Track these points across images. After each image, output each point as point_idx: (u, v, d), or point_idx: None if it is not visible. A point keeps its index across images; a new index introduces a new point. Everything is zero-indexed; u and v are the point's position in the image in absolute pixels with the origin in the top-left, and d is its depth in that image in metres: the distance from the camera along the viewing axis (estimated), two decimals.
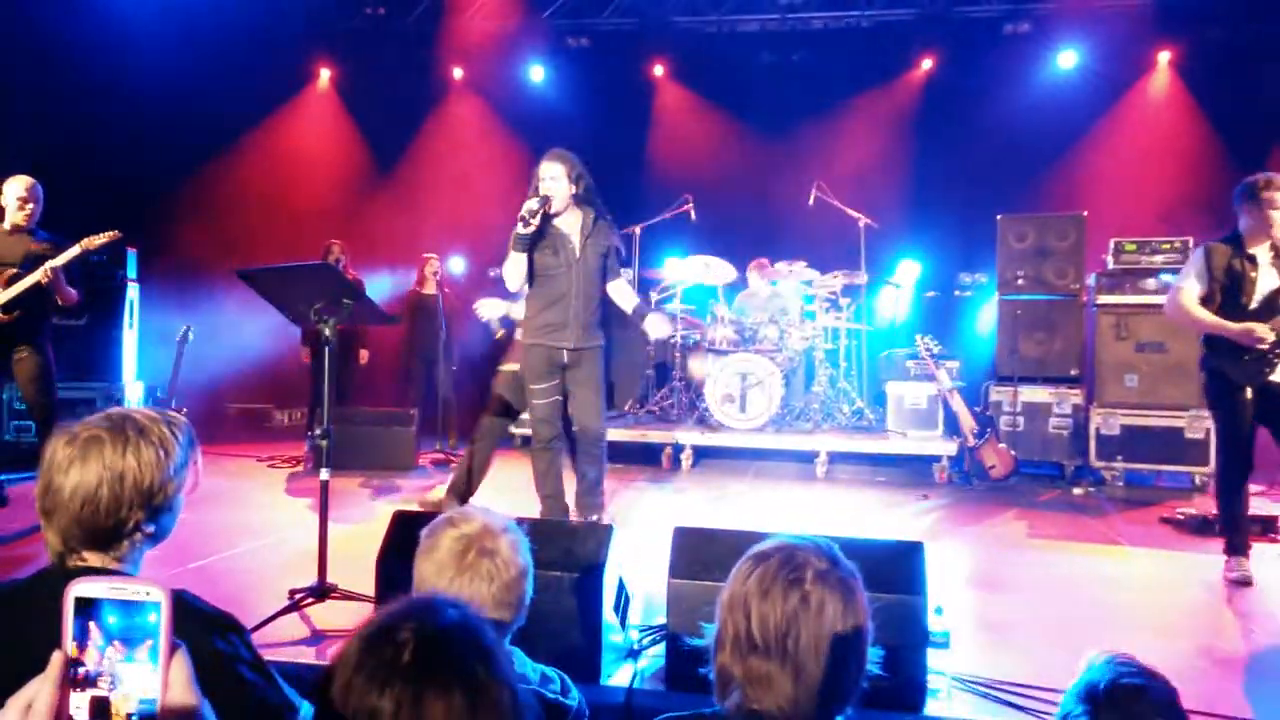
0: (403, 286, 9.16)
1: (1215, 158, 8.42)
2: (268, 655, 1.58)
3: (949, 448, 7.05)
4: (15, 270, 4.98)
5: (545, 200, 4.39)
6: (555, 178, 4.47)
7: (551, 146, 4.60)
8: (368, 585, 3.27)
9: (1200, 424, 6.72)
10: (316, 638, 3.33)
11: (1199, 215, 7.88)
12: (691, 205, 8.26)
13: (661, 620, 3.14)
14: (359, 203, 10.22)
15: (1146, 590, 4.33)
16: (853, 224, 8.14)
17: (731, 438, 7.43)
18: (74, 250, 4.97)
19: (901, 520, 5.69)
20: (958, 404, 6.99)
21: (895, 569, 2.77)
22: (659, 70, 10.04)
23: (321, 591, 3.54)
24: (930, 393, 7.48)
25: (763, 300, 8.20)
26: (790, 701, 1.38)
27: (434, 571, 1.76)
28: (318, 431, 3.69)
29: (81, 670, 0.90)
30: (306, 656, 3.14)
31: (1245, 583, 4.25)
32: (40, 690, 0.88)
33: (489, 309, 5.30)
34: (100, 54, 8.33)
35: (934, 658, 2.83)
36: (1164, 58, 8.95)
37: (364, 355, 8.14)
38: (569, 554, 2.94)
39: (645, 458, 7.64)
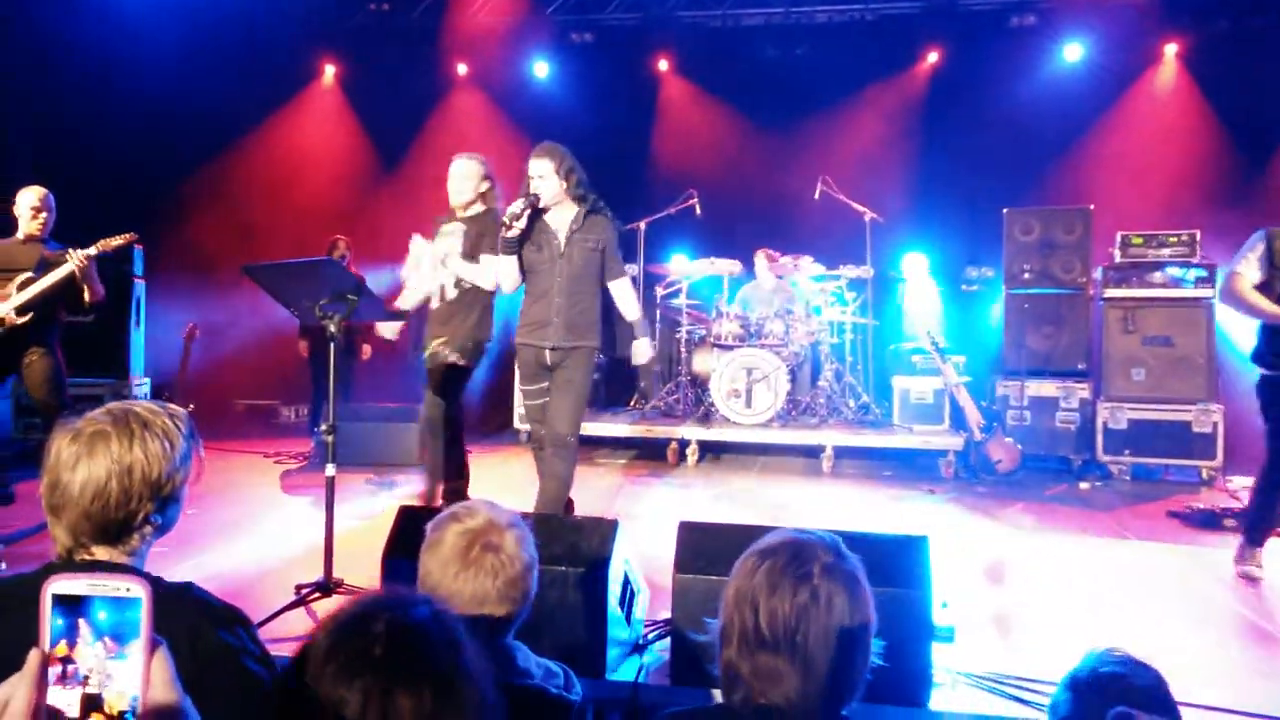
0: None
1: (1222, 150, 8.39)
2: (273, 650, 1.59)
3: (955, 442, 7.04)
4: (30, 274, 5.00)
5: (531, 201, 4.27)
6: (543, 175, 4.32)
7: (550, 141, 4.45)
8: (374, 580, 3.28)
9: (1208, 418, 6.71)
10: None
11: (1206, 208, 7.85)
12: (696, 200, 8.24)
13: (667, 615, 3.15)
14: (364, 198, 10.23)
15: (1154, 584, 4.32)
16: (858, 218, 8.12)
17: (737, 433, 7.43)
18: (90, 251, 4.99)
19: (907, 514, 5.69)
20: (964, 398, 6.98)
21: (900, 563, 2.77)
22: (663, 65, 10.02)
23: (327, 587, 3.55)
24: (937, 387, 7.47)
25: (768, 293, 8.19)
26: (799, 695, 1.38)
27: (439, 566, 1.76)
28: (323, 427, 3.70)
29: (70, 667, 0.87)
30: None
31: (1255, 576, 4.23)
32: (17, 690, 0.86)
33: (389, 330, 5.05)
34: (105, 52, 8.34)
35: (939, 651, 2.82)
36: (1170, 50, 8.90)
37: (366, 350, 8.15)
38: (574, 549, 2.94)
39: (651, 453, 7.65)
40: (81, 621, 0.89)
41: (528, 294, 4.51)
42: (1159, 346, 7.02)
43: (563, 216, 4.42)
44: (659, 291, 8.34)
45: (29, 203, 5.10)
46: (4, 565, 4.07)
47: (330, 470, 3.67)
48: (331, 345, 3.74)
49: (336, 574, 3.63)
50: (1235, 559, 4.35)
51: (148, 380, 7.95)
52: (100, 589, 0.89)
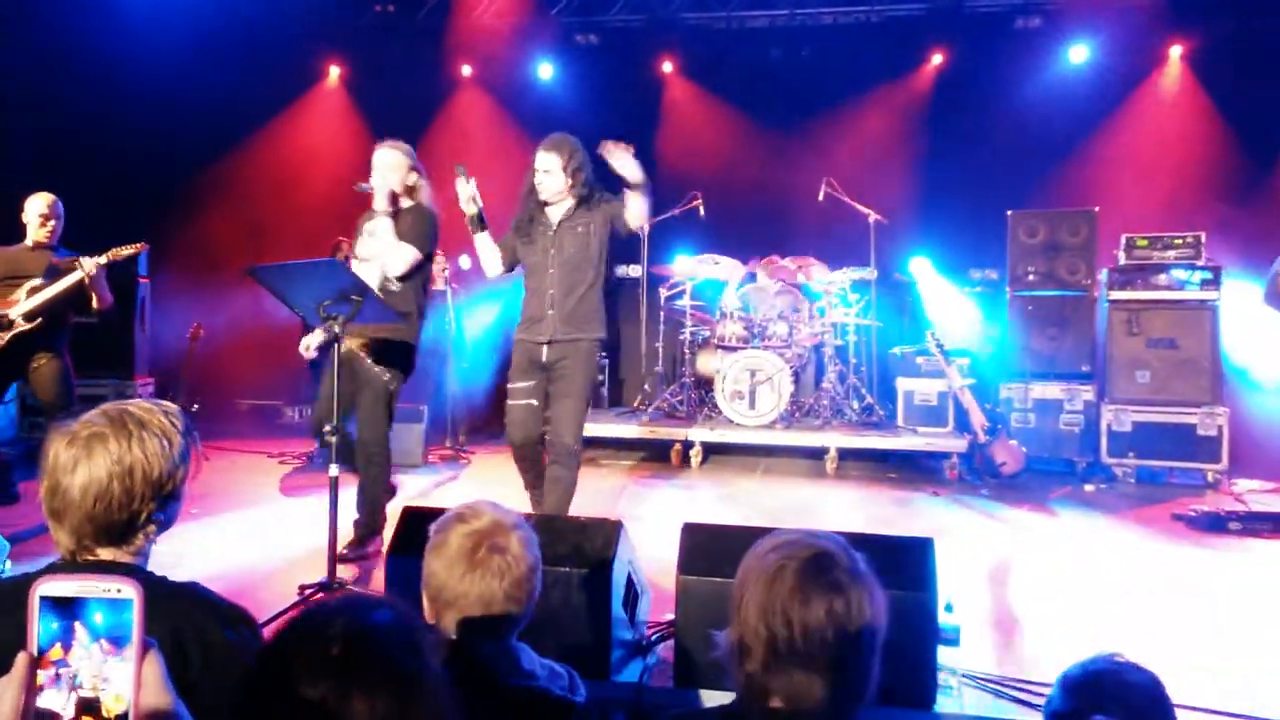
0: None
1: (1228, 152, 8.36)
2: None
3: (959, 444, 7.03)
4: (39, 280, 5.03)
5: (475, 201, 4.16)
6: (549, 170, 4.20)
7: (560, 133, 4.32)
8: (376, 581, 3.28)
9: (1213, 420, 6.69)
10: None
11: (1211, 210, 7.83)
12: (700, 202, 8.24)
13: (670, 616, 3.14)
14: (368, 199, 10.22)
15: (1159, 586, 4.31)
16: (862, 220, 8.11)
17: (741, 434, 7.42)
18: (101, 259, 5.01)
19: (912, 516, 5.68)
20: (968, 400, 6.97)
21: (905, 565, 2.76)
22: (667, 67, 10.02)
23: (331, 587, 3.55)
24: (941, 389, 7.46)
25: (772, 295, 8.18)
26: (821, 702, 1.38)
27: (444, 568, 1.76)
28: (327, 428, 3.70)
29: (65, 670, 0.86)
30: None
31: None
32: (4, 692, 0.85)
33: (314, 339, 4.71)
34: (110, 52, 8.35)
35: (944, 654, 2.82)
36: (1176, 52, 8.88)
37: None
38: (578, 550, 2.94)
39: (654, 454, 7.65)
40: (77, 624, 0.87)
41: (525, 290, 4.42)
42: (1164, 349, 7.00)
43: (559, 211, 4.34)
44: (663, 293, 8.34)
45: (37, 210, 5.13)
46: (9, 565, 4.07)
47: (334, 470, 3.67)
48: (335, 346, 3.74)
49: (340, 575, 3.63)
50: None
51: (152, 380, 7.97)
52: (90, 590, 0.88)
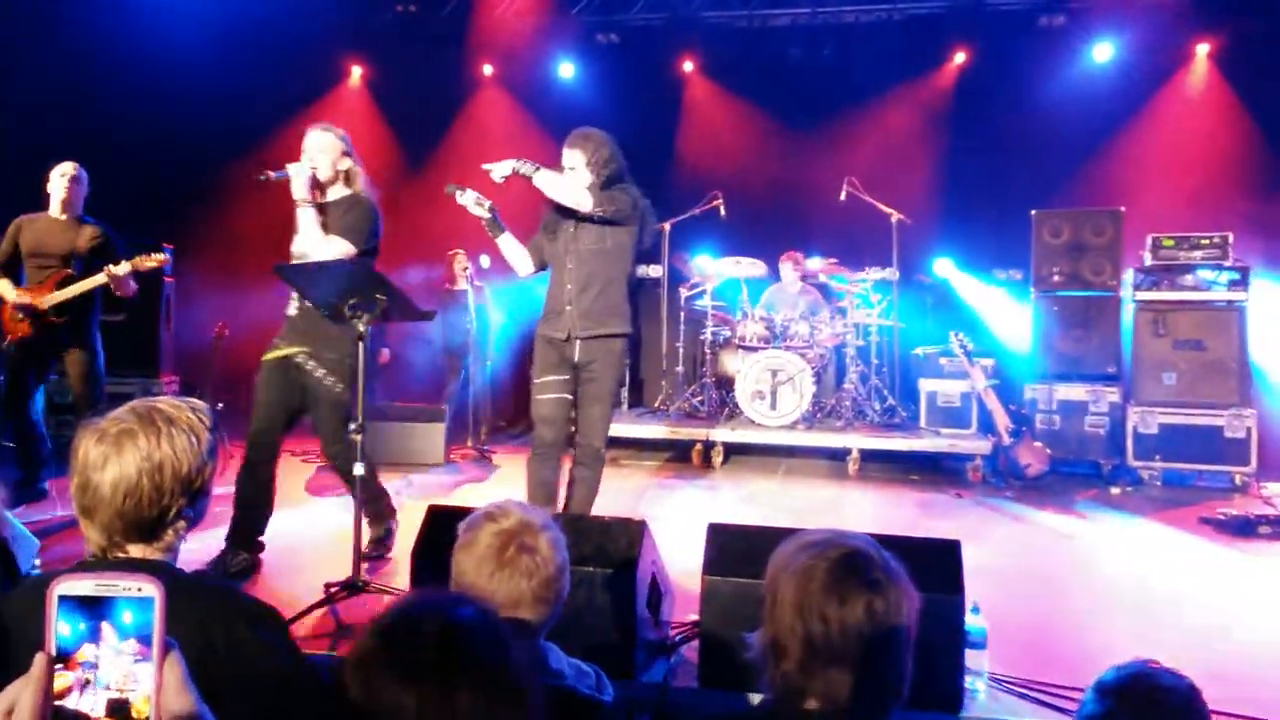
0: (435, 283, 9.20)
1: (1255, 151, 8.27)
2: (304, 648, 1.59)
3: (983, 446, 6.97)
4: (69, 272, 5.09)
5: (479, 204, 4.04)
6: (574, 167, 4.13)
7: (587, 128, 4.25)
8: (401, 579, 3.29)
9: (1240, 422, 6.61)
10: (350, 631, 3.35)
11: (1238, 210, 7.74)
12: (721, 202, 8.23)
13: (693, 616, 3.13)
14: (390, 199, 10.18)
15: (1186, 591, 4.26)
16: (884, 220, 8.06)
17: (762, 435, 7.39)
18: (125, 267, 5.04)
19: (935, 518, 5.64)
20: (992, 402, 6.91)
21: (932, 567, 2.74)
22: (688, 66, 10.01)
23: (356, 586, 3.55)
24: (964, 390, 7.41)
25: (793, 295, 8.15)
26: (858, 701, 1.37)
27: (473, 566, 1.76)
28: (351, 426, 3.71)
29: (93, 670, 0.85)
30: (341, 650, 3.16)
31: None
32: (23, 693, 0.83)
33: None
34: (135, 52, 8.43)
35: (971, 657, 2.80)
36: (1202, 50, 8.79)
37: (385, 354, 8.15)
38: (603, 550, 2.93)
39: (676, 454, 7.64)
40: (105, 624, 0.86)
41: (548, 284, 4.34)
42: (1190, 350, 6.93)
43: None
44: (683, 292, 8.33)
45: (61, 171, 5.20)
46: (39, 562, 4.11)
47: (359, 469, 3.67)
48: (360, 344, 3.74)
49: (364, 573, 3.64)
50: None
51: (176, 378, 8.03)
52: (109, 589, 0.86)
